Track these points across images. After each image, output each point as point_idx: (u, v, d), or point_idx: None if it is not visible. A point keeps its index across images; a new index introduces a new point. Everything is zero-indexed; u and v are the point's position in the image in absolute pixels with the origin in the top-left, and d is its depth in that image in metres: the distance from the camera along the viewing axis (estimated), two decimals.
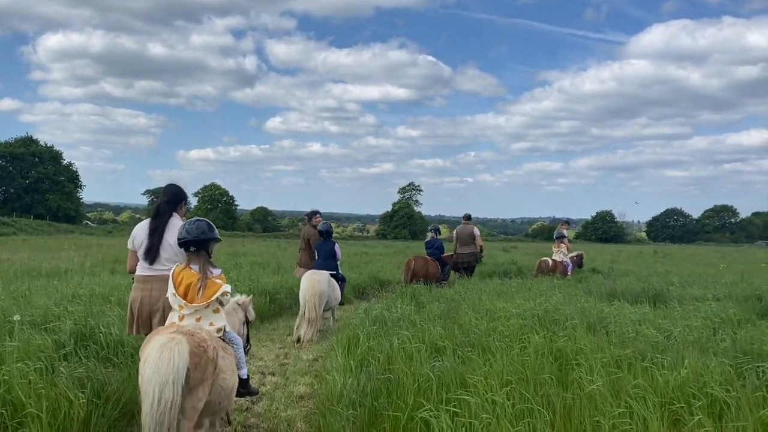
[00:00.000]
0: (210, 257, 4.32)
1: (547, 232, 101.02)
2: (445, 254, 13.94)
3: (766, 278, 15.88)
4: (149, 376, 3.41)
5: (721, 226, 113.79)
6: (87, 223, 74.33)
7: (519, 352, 5.76)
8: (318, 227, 9.96)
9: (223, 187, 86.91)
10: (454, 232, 14.30)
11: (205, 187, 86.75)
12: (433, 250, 13.52)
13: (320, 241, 9.71)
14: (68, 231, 51.76)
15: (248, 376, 4.76)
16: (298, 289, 11.01)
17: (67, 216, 67.17)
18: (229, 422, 4.94)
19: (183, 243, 4.25)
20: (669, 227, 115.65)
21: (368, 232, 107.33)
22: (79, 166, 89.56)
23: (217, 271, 4.28)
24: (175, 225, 4.94)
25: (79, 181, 73.60)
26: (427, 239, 14.14)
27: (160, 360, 3.41)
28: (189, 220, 4.38)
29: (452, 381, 4.63)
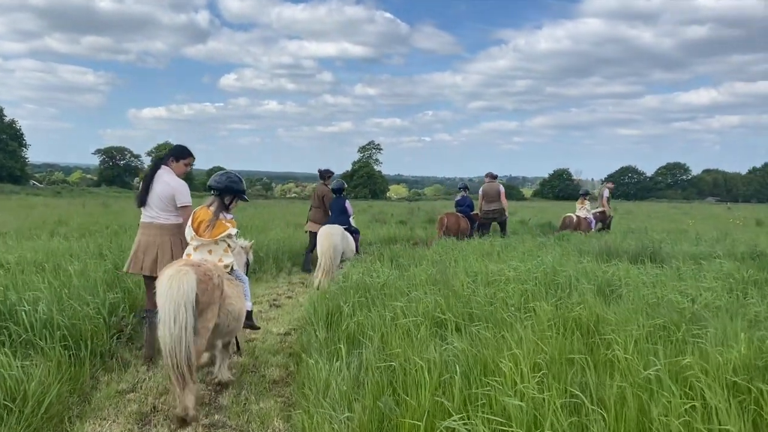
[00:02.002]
0: (227, 206, 4.84)
1: (506, 190, 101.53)
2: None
3: (744, 234, 15.48)
4: (163, 304, 3.87)
5: (673, 183, 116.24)
6: (34, 184, 71.06)
7: (533, 326, 4.88)
8: (331, 185, 10.39)
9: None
10: (480, 189, 14.49)
11: (159, 146, 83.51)
12: (464, 208, 14.37)
13: (333, 198, 10.12)
14: (13, 192, 48.86)
15: (252, 309, 5.34)
16: (268, 249, 10.44)
17: (11, 176, 63.89)
18: (239, 348, 5.46)
19: (208, 186, 4.88)
20: (624, 185, 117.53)
21: None
22: (24, 124, 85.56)
23: (229, 216, 4.84)
24: (160, 177, 5.42)
25: (24, 139, 69.99)
26: (458, 197, 14.89)
27: (170, 288, 3.87)
28: (221, 172, 4.93)
29: (471, 369, 3.68)
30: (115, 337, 5.39)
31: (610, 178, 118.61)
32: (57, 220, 16.36)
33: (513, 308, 5.51)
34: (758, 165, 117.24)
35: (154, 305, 5.25)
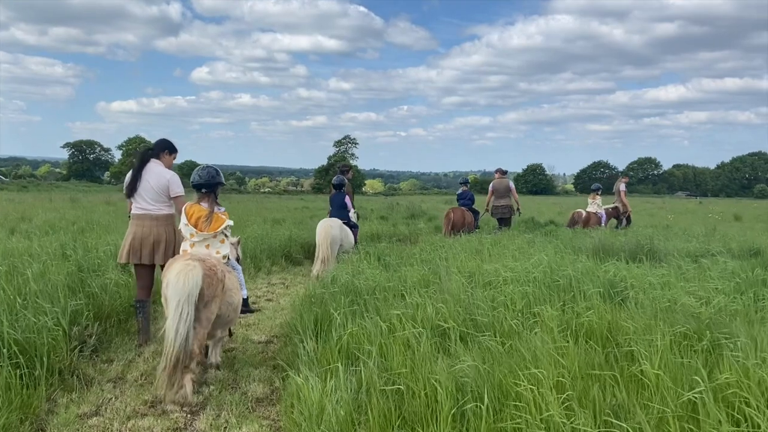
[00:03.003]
0: (216, 198, 5.06)
1: (479, 185, 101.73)
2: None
3: (729, 229, 15.32)
4: (171, 296, 4.11)
5: (644, 177, 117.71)
6: None
7: (543, 335, 4.44)
8: (332, 181, 10.56)
9: (148, 140, 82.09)
10: (491, 185, 14.71)
11: (129, 140, 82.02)
12: (465, 201, 14.29)
13: (333, 193, 10.43)
14: None
15: (247, 296, 5.72)
16: (245, 247, 10.25)
17: None
18: (231, 334, 5.56)
19: (196, 185, 4.97)
20: (595, 179, 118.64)
21: (302, 186, 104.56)
22: None
23: (222, 209, 5.04)
24: (152, 169, 5.66)
25: None
26: (459, 191, 14.79)
27: (178, 282, 4.10)
28: (200, 167, 5.06)
29: (487, 391, 3.21)
30: (76, 351, 4.81)
31: (582, 173, 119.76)
32: (20, 216, 15.54)
33: (518, 314, 5.07)
34: (726, 160, 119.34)
35: (146, 295, 5.71)
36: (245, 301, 5.33)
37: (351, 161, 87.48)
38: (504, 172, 14.83)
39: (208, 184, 4.97)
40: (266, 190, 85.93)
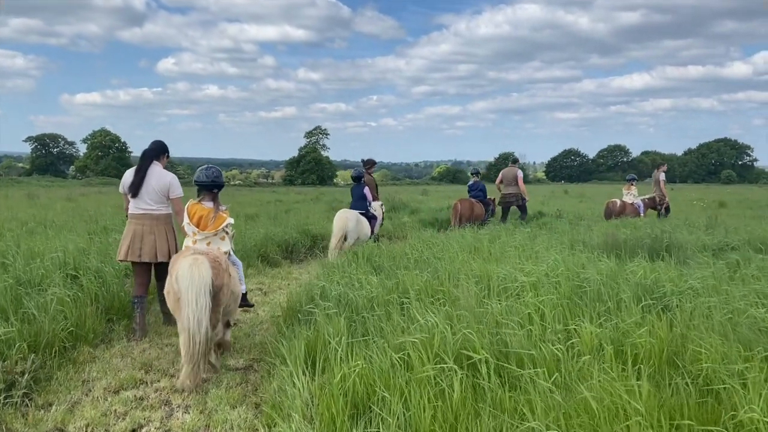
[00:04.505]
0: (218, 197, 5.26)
1: (452, 174, 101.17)
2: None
3: (730, 219, 14.71)
4: (186, 289, 4.29)
5: (614, 165, 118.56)
6: None
7: (598, 363, 3.55)
8: (351, 173, 10.73)
9: (114, 132, 79.50)
10: (500, 173, 14.69)
11: (95, 133, 79.23)
12: (476, 192, 14.13)
13: (353, 186, 10.62)
14: None
15: (246, 291, 5.78)
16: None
17: None
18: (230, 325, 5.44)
19: (204, 185, 5.16)
20: (567, 167, 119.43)
21: (273, 178, 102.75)
22: None
23: (223, 207, 5.22)
24: (154, 171, 5.88)
25: None
26: (470, 182, 14.64)
27: (192, 274, 4.30)
28: (204, 167, 5.24)
29: None
30: (0, 397, 3.76)
31: (553, 161, 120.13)
32: None
33: (553, 332, 4.17)
34: (693, 146, 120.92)
35: (144, 291, 5.90)
36: (244, 295, 5.50)
37: (322, 152, 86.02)
38: (515, 161, 15.07)
39: (214, 184, 5.14)
40: (237, 182, 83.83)
